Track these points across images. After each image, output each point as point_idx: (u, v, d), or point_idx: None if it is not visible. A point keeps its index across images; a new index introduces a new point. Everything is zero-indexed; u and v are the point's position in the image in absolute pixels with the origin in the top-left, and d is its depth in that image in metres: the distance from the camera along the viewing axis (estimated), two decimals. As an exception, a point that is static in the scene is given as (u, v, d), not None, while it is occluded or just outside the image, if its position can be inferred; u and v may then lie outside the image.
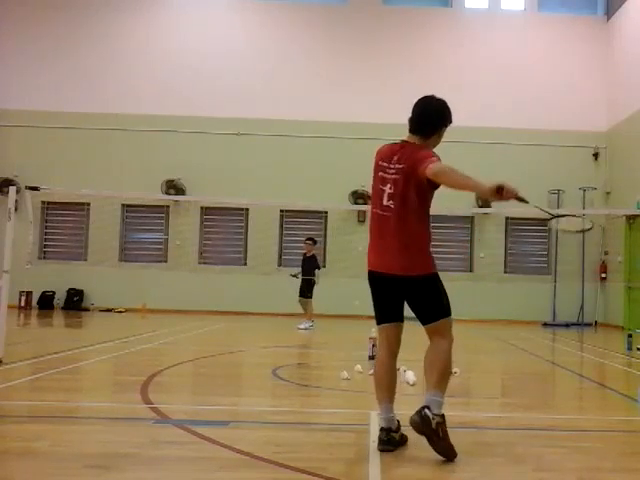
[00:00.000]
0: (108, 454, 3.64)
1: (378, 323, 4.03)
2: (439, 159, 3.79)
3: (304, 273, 13.46)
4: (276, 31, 18.27)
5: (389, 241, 3.85)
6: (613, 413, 5.58)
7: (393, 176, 3.88)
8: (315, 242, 14.02)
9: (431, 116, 3.97)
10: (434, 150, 3.96)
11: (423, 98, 4.03)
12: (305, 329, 12.92)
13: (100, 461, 3.50)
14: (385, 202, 3.88)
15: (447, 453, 3.65)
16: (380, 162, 3.97)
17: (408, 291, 3.87)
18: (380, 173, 3.95)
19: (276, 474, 3.43)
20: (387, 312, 3.98)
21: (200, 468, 3.47)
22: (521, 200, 3.64)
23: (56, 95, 17.69)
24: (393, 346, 3.99)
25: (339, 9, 18.36)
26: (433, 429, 3.60)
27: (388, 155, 3.95)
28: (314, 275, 13.35)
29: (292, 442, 4.07)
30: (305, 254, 13.70)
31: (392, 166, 3.89)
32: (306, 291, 13.35)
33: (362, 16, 18.17)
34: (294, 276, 13.52)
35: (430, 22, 18.32)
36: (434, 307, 3.87)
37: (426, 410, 3.63)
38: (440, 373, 3.77)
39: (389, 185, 3.88)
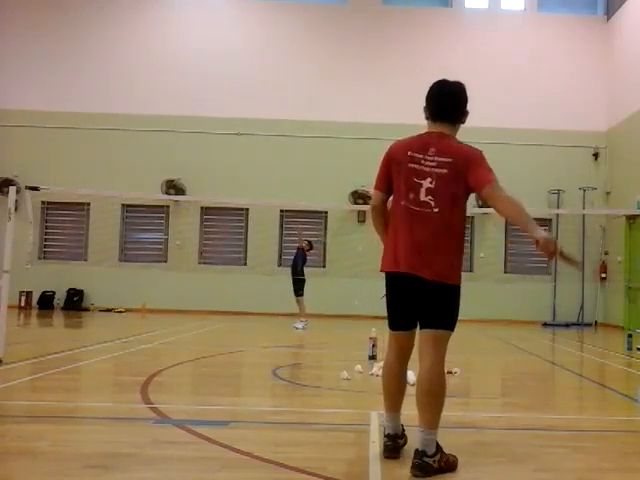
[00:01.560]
0: (108, 454, 3.64)
1: (392, 329, 3.73)
2: (496, 178, 3.50)
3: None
4: (276, 31, 18.27)
5: (426, 241, 3.50)
6: (613, 413, 5.58)
7: (436, 170, 3.52)
8: (311, 246, 14.09)
9: (458, 97, 3.69)
10: None
11: (440, 81, 3.72)
12: (301, 328, 12.94)
13: (100, 461, 3.50)
14: (423, 197, 3.52)
15: (449, 472, 3.53)
16: (410, 153, 3.58)
17: (426, 296, 3.54)
18: (411, 165, 3.56)
19: (276, 474, 3.43)
20: (404, 318, 3.67)
21: (200, 468, 3.46)
22: (567, 260, 3.37)
23: (56, 95, 17.69)
24: (405, 354, 3.76)
25: (339, 9, 18.36)
26: (436, 469, 3.44)
27: (420, 146, 3.58)
28: (302, 274, 13.51)
29: (292, 442, 4.07)
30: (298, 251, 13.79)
31: (431, 157, 3.54)
32: (297, 289, 13.47)
33: (362, 16, 18.17)
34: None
35: (430, 22, 18.31)
36: (444, 315, 3.55)
37: (425, 459, 3.41)
38: (437, 408, 3.48)
39: (429, 179, 3.52)
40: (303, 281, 13.47)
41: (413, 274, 3.52)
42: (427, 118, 3.73)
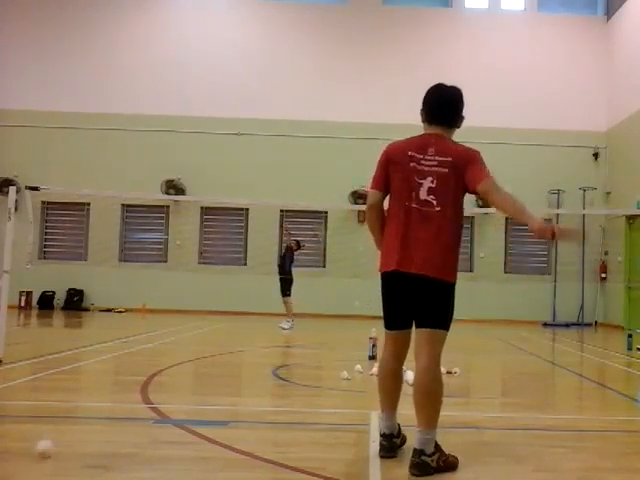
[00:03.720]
0: (108, 454, 3.64)
1: (388, 328, 3.75)
2: (490, 174, 3.55)
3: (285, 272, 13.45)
4: (276, 31, 18.28)
5: (428, 239, 3.55)
6: (613, 413, 5.57)
7: (436, 169, 3.57)
8: (299, 246, 13.89)
9: (454, 102, 3.75)
10: None
11: (437, 85, 3.79)
12: (287, 328, 12.85)
13: (100, 461, 3.50)
14: (424, 196, 3.57)
15: (450, 471, 3.53)
16: (410, 153, 3.62)
17: (425, 294, 3.56)
18: (412, 164, 3.60)
19: (276, 474, 3.43)
20: (400, 318, 3.69)
21: (200, 468, 3.46)
22: (567, 237, 3.36)
23: (56, 95, 17.70)
24: (401, 353, 3.77)
25: (339, 9, 18.36)
26: (434, 468, 3.45)
27: (420, 146, 3.64)
28: (290, 274, 13.37)
29: (292, 442, 4.07)
30: (287, 251, 13.65)
31: (430, 157, 3.59)
32: (285, 289, 13.34)
33: (362, 16, 18.17)
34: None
35: (430, 22, 18.32)
36: (439, 314, 3.58)
37: (422, 457, 3.42)
38: (435, 408, 3.49)
39: (430, 178, 3.57)
40: (291, 281, 13.35)
41: (416, 273, 3.55)
42: (423, 121, 3.80)
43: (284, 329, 12.82)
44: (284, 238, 14.17)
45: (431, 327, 3.56)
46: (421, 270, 3.53)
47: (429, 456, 3.44)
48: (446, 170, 3.57)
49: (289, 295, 13.35)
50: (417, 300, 3.59)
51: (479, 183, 3.51)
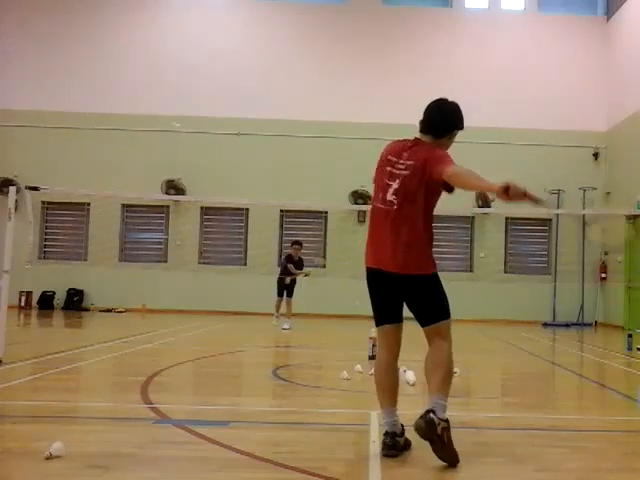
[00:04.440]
0: (108, 454, 3.64)
1: (377, 324, 3.94)
2: (453, 161, 3.73)
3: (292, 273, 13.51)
4: (276, 31, 18.28)
5: (389, 237, 3.75)
6: (613, 413, 5.58)
7: (402, 172, 3.79)
8: (300, 245, 13.88)
9: (444, 118, 3.93)
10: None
11: (436, 100, 3.99)
12: (288, 328, 12.89)
13: (100, 461, 3.50)
14: (389, 197, 3.79)
15: (450, 460, 3.58)
16: (389, 157, 3.88)
17: (406, 291, 3.77)
18: (388, 168, 3.85)
19: (276, 474, 3.43)
20: (386, 312, 3.88)
21: (200, 468, 3.47)
22: (533, 200, 3.37)
23: (56, 95, 17.70)
24: (393, 347, 3.90)
25: (339, 9, 18.36)
26: (438, 435, 3.52)
27: (398, 151, 3.88)
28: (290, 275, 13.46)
29: (292, 442, 4.07)
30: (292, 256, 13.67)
31: (402, 162, 3.81)
32: (292, 290, 13.49)
33: (362, 16, 18.17)
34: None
35: (430, 22, 18.31)
36: (434, 308, 3.78)
37: (431, 414, 3.53)
38: (444, 376, 3.69)
39: (397, 180, 3.79)
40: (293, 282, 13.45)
41: (385, 270, 3.76)
42: (420, 130, 4.01)
43: (284, 329, 12.85)
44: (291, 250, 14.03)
45: (430, 324, 3.79)
46: (388, 268, 3.75)
47: (438, 418, 3.53)
48: (409, 172, 3.78)
49: (291, 296, 13.44)
50: (403, 298, 3.81)
51: (442, 175, 3.65)
